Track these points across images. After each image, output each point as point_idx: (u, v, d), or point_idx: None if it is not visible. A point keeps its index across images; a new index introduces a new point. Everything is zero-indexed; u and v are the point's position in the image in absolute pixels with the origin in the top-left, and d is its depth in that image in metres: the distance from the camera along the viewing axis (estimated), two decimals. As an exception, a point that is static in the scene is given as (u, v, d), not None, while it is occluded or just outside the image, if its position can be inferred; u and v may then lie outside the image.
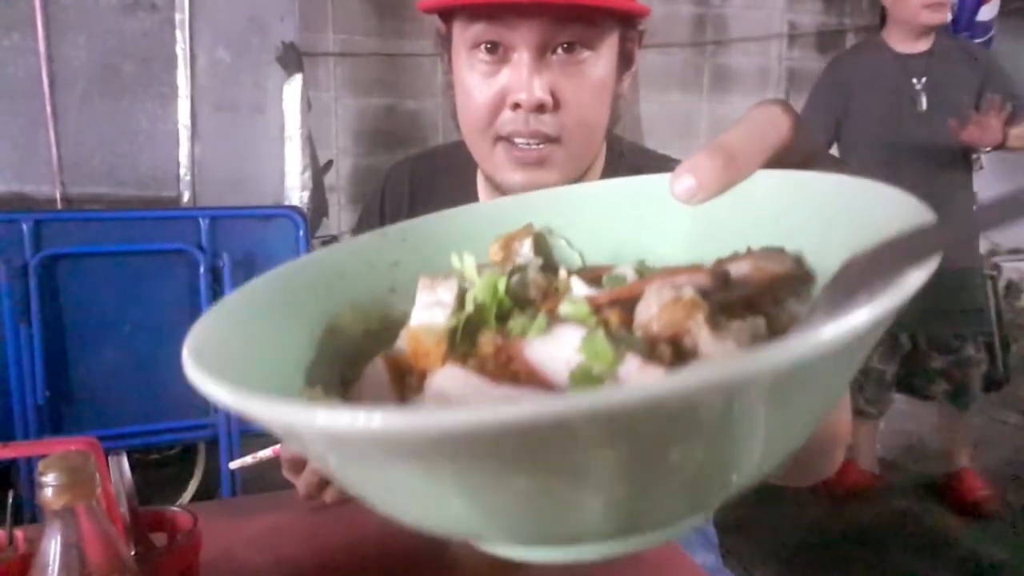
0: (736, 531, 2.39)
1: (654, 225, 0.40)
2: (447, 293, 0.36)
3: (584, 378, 0.28)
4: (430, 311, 0.35)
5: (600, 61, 0.75)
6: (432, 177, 1.00)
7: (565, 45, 0.73)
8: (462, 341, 0.34)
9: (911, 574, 2.23)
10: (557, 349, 0.30)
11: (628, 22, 0.78)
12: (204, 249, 1.94)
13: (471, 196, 0.94)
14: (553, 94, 0.73)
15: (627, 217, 0.42)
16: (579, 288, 0.35)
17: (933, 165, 2.17)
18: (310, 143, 2.32)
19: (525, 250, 0.41)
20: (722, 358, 0.27)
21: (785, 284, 0.33)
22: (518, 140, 0.75)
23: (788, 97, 4.03)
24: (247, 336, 0.34)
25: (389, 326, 0.38)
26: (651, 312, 0.31)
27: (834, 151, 2.31)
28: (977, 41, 3.49)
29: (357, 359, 0.36)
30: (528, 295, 0.37)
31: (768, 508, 2.58)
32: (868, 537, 2.43)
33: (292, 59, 2.22)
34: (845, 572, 2.26)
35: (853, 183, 0.33)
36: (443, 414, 0.20)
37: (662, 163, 0.90)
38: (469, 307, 0.35)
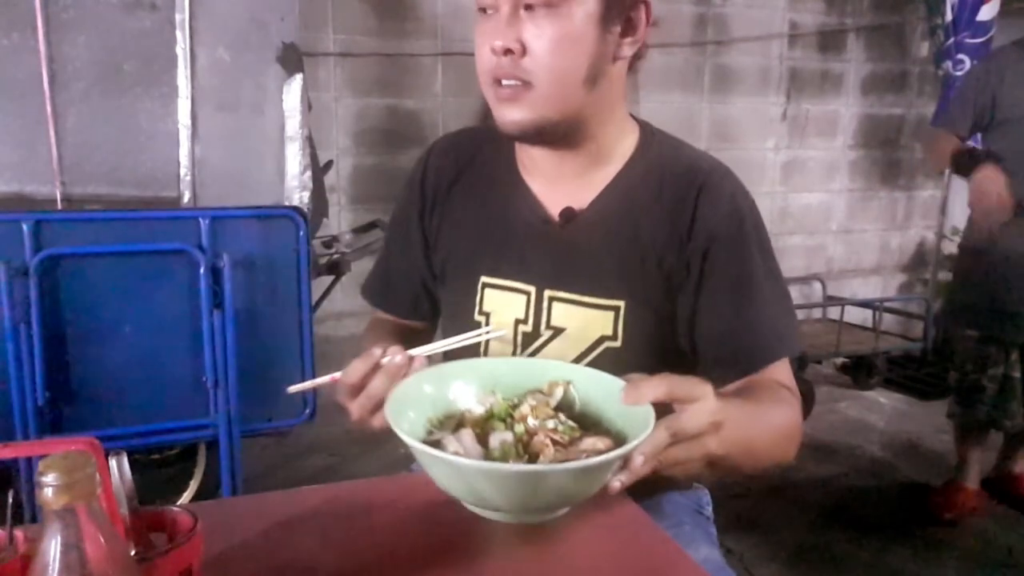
0: (737, 531, 2.39)
1: (611, 407, 0.77)
2: (486, 403, 0.80)
3: (496, 452, 0.73)
4: (479, 406, 0.80)
5: (565, 20, 0.90)
6: (474, 149, 1.12)
7: (533, 5, 0.90)
8: (483, 421, 0.78)
9: (910, 574, 2.23)
10: (499, 439, 0.73)
11: None
12: (204, 249, 1.94)
13: (511, 163, 1.07)
14: (522, 42, 0.90)
15: (605, 399, 0.79)
16: (531, 421, 0.75)
17: None
18: (310, 143, 2.32)
19: (559, 392, 0.79)
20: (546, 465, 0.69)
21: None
22: (502, 81, 0.92)
23: (788, 96, 4.03)
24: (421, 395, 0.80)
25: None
26: (533, 440, 0.73)
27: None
28: (977, 41, 3.50)
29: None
30: (518, 412, 0.77)
31: (769, 508, 2.58)
32: (868, 537, 2.43)
33: (292, 59, 2.22)
34: (845, 572, 2.26)
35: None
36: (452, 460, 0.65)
37: (687, 148, 1.06)
38: (483, 409, 0.80)
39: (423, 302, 1.16)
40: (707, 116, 3.91)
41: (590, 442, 0.69)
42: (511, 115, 0.94)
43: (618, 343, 1.00)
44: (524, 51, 0.90)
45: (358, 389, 0.82)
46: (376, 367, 0.82)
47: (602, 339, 1.00)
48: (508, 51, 0.90)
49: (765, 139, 4.07)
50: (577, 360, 1.00)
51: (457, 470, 0.64)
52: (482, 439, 0.72)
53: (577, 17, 0.90)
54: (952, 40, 3.56)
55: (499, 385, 0.80)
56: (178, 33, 2.10)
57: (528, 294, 1.04)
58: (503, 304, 1.04)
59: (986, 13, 3.50)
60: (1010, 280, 2.27)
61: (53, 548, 0.43)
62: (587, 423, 0.76)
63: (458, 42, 3.37)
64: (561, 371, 0.81)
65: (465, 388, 0.79)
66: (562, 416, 0.75)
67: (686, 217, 0.98)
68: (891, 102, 4.26)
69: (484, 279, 1.06)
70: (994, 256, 2.29)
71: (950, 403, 2.52)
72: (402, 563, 0.75)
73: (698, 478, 1.12)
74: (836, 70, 4.11)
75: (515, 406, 0.76)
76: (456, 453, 0.67)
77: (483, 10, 0.93)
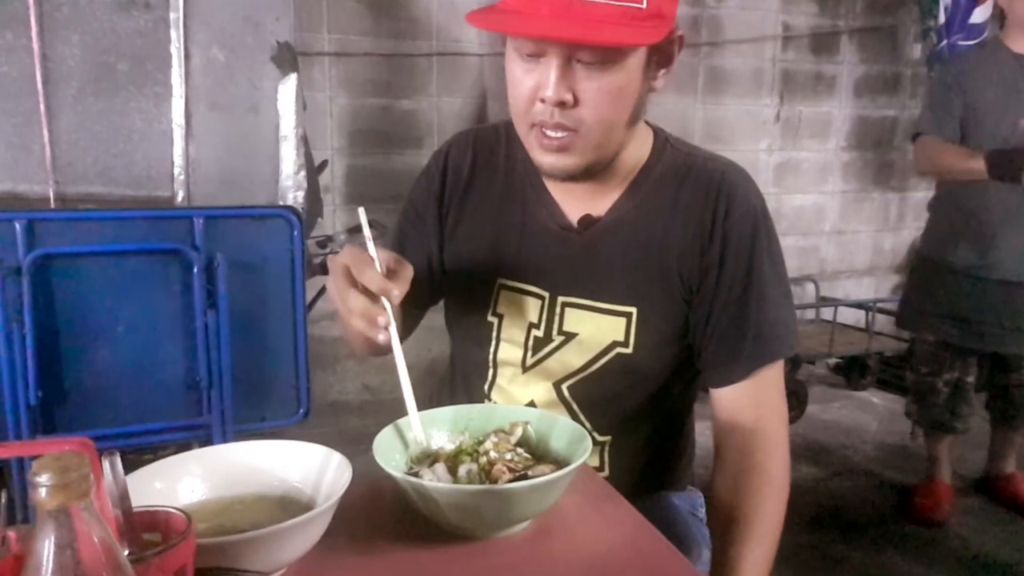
0: (730, 531, 2.39)
1: (560, 442, 0.90)
2: (456, 442, 0.92)
3: (463, 480, 0.83)
4: (450, 444, 0.92)
5: (619, 71, 0.88)
6: (493, 148, 1.12)
7: (587, 60, 0.87)
8: (453, 456, 0.88)
9: (903, 574, 2.24)
10: (466, 468, 0.84)
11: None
12: (198, 249, 1.93)
13: (529, 165, 1.04)
14: (574, 94, 0.88)
15: (555, 435, 0.91)
16: (492, 454, 0.86)
17: None
18: (305, 143, 2.32)
19: (519, 430, 0.91)
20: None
21: None
22: (545, 129, 0.91)
23: (781, 98, 4.04)
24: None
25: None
26: (494, 469, 0.83)
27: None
28: (970, 43, 3.51)
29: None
30: (483, 448, 0.87)
31: (762, 508, 2.58)
32: (861, 537, 2.44)
33: (287, 58, 2.21)
34: (838, 573, 2.26)
35: None
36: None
37: (699, 152, 1.06)
38: (454, 446, 0.91)
39: (424, 293, 1.14)
40: (700, 117, 3.92)
41: (539, 469, 0.82)
42: (559, 163, 0.94)
43: (629, 349, 1.01)
44: (576, 102, 0.88)
45: (350, 293, 0.88)
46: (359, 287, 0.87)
47: (614, 344, 1.02)
48: (561, 103, 0.88)
49: (758, 141, 4.08)
50: (588, 366, 1.03)
51: (429, 493, 0.75)
52: (453, 470, 0.83)
53: (629, 67, 0.89)
54: (945, 42, 3.57)
55: (470, 426, 0.93)
56: (172, 32, 2.10)
57: (543, 299, 1.04)
58: (517, 307, 1.06)
59: (979, 15, 3.51)
60: (967, 290, 2.32)
61: (46, 548, 0.43)
62: (540, 455, 0.89)
63: (453, 42, 3.37)
64: (520, 414, 0.94)
65: (438, 433, 0.92)
66: (519, 449, 0.88)
67: (706, 222, 1.00)
68: (884, 104, 4.27)
69: (502, 281, 1.06)
70: (951, 266, 2.34)
71: (908, 402, 2.60)
72: (401, 563, 0.75)
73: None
74: (829, 72, 4.12)
75: (480, 442, 0.88)
76: (430, 481, 0.79)
77: (523, 54, 0.90)
